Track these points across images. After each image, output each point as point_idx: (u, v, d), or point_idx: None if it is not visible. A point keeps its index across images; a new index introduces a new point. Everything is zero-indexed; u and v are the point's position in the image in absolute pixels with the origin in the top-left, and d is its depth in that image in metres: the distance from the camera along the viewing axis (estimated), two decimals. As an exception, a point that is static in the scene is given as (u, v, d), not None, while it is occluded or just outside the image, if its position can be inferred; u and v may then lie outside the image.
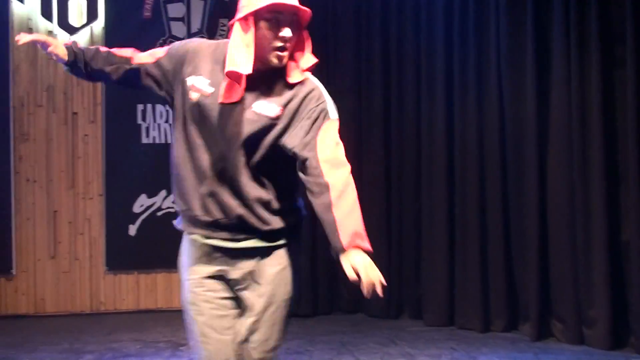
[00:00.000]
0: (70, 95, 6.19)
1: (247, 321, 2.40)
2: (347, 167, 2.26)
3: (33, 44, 2.57)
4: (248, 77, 2.27)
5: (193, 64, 2.37)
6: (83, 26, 6.24)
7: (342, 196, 2.19)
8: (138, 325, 5.60)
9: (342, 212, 2.18)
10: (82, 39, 6.21)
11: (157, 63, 2.43)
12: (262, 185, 2.34)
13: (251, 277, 2.40)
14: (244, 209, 2.35)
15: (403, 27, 6.00)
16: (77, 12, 6.21)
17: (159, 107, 6.25)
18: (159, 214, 6.22)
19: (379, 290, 2.15)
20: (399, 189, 5.96)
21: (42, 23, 6.17)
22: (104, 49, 2.56)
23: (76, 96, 6.21)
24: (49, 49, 2.49)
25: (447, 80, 5.72)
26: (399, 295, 5.88)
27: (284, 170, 2.36)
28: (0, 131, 6.01)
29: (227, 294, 2.43)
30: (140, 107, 6.24)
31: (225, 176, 2.33)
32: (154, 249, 6.17)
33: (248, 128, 2.29)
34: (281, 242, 2.41)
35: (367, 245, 2.20)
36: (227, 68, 2.28)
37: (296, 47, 2.32)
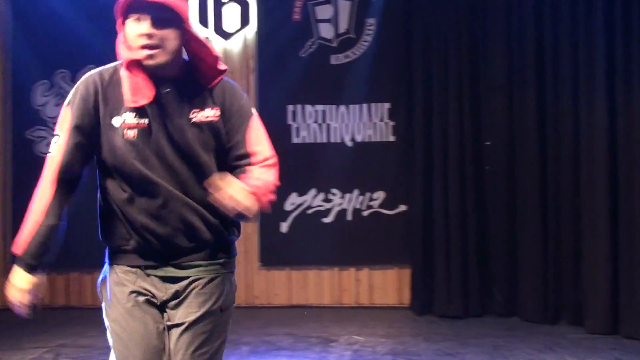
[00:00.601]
0: (226, 98, 6.48)
1: None
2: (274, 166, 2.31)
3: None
4: (164, 89, 2.16)
5: (107, 104, 2.18)
6: (237, 31, 6.50)
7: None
8: (290, 320, 5.76)
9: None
10: (235, 44, 6.48)
11: (78, 143, 2.18)
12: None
13: None
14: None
15: (558, 22, 5.67)
16: (231, 18, 6.48)
17: (308, 108, 6.40)
18: (309, 212, 6.35)
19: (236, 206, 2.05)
20: (555, 189, 5.64)
21: (199, 30, 6.50)
22: (30, 234, 2.23)
23: (231, 99, 6.48)
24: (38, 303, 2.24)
25: (608, 76, 5.31)
26: (557, 299, 5.54)
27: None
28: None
29: None
30: (290, 107, 6.41)
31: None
32: (304, 246, 6.33)
33: (199, 139, 2.20)
34: None
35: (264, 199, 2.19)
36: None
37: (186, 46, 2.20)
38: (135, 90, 2.13)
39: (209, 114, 2.22)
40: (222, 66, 2.26)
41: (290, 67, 6.45)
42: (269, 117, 6.39)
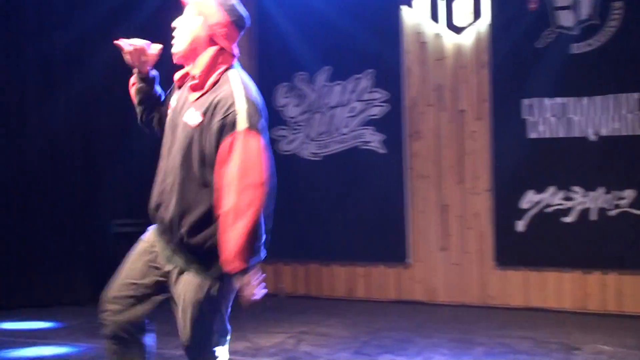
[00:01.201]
0: (458, 94, 6.39)
1: None
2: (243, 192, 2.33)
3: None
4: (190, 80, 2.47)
5: (172, 91, 2.66)
6: (469, 25, 6.37)
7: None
8: (528, 323, 5.52)
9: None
10: (467, 38, 6.36)
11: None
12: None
13: None
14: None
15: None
16: (462, 12, 6.36)
17: (546, 101, 6.07)
18: (548, 210, 6.03)
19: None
20: None
21: (430, 26, 6.48)
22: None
23: (464, 94, 6.38)
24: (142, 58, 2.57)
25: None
26: None
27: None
28: (395, 130, 6.50)
29: None
30: (525, 102, 6.13)
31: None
32: (543, 247, 6.02)
33: (181, 141, 2.43)
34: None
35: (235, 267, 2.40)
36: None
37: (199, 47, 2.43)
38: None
39: (193, 117, 2.43)
40: (219, 69, 2.49)
41: (525, 59, 6.17)
42: (503, 111, 6.24)
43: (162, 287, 2.59)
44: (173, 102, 2.55)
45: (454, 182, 6.38)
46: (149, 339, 2.67)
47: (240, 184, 2.31)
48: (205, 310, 2.52)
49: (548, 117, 6.08)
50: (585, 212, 5.91)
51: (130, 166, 6.76)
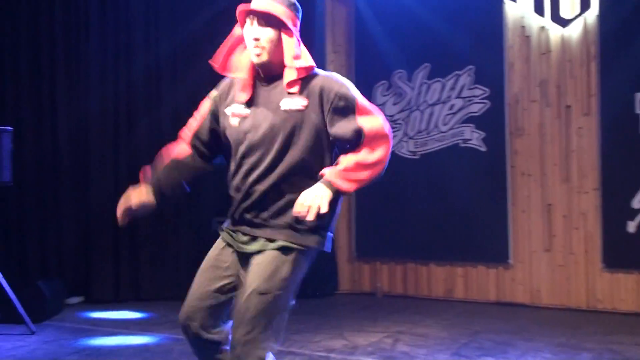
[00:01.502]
0: (564, 89, 6.14)
1: None
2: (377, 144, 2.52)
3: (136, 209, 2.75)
4: (264, 81, 2.60)
5: (227, 100, 2.67)
6: (576, 17, 6.11)
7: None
8: (639, 329, 5.23)
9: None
10: (574, 31, 6.10)
11: (207, 117, 2.73)
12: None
13: None
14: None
15: None
16: (569, 3, 6.12)
17: (661, 94, 5.73)
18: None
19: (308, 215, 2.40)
20: None
21: (534, 19, 6.26)
22: (163, 162, 2.81)
23: (570, 89, 6.13)
24: (134, 207, 2.72)
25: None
26: None
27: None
28: (496, 127, 6.32)
29: None
30: (638, 95, 5.81)
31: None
32: (656, 249, 5.69)
33: (278, 128, 2.53)
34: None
35: (339, 182, 2.46)
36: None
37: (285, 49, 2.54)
38: (242, 89, 2.62)
39: (298, 103, 2.53)
40: (301, 64, 2.54)
41: (637, 51, 5.84)
42: (613, 106, 5.94)
43: (234, 287, 2.64)
44: (239, 110, 2.63)
45: (559, 180, 6.13)
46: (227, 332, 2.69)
47: (376, 139, 2.53)
48: (274, 297, 2.52)
49: (663, 112, 5.73)
50: None
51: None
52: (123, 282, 6.48)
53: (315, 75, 2.58)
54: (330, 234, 2.65)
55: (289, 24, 2.54)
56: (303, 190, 2.47)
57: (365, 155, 2.51)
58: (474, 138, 6.42)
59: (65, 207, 6.37)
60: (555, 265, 6.12)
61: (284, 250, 2.54)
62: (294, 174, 2.54)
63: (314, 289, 6.75)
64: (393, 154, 7.48)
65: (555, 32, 6.18)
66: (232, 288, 2.64)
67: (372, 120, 2.53)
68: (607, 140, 5.93)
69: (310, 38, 6.87)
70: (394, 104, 6.86)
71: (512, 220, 6.26)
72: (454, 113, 6.56)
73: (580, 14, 6.08)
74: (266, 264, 2.52)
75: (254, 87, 2.62)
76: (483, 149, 6.38)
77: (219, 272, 2.67)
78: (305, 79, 2.55)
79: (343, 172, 2.48)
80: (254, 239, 2.60)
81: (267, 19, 2.52)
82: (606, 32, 5.96)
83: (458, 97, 6.54)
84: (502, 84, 6.33)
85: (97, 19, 6.54)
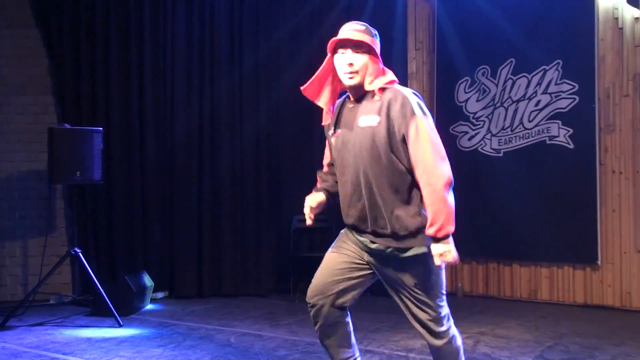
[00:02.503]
0: (658, 82, 5.86)
1: None
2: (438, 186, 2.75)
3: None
4: (350, 104, 3.00)
5: (327, 125, 3.09)
6: (672, 7, 5.80)
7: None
8: None
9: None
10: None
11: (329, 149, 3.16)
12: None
13: None
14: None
15: None
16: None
17: None
18: None
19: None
20: None
21: (627, 11, 5.99)
22: (324, 172, 3.27)
23: (664, 81, 5.83)
24: (315, 206, 3.14)
25: None
26: None
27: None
28: (587, 123, 6.07)
29: None
30: None
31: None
32: None
33: (362, 144, 2.87)
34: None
35: (442, 233, 2.73)
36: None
37: (368, 71, 2.89)
38: (329, 115, 3.06)
39: (373, 119, 2.85)
40: (380, 84, 2.89)
41: None
42: None
43: (364, 278, 3.08)
44: (334, 130, 3.04)
45: (653, 178, 5.84)
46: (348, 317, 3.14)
47: (435, 159, 2.77)
48: (430, 285, 2.92)
49: None
50: None
51: (309, 166, 6.99)
52: (206, 278, 6.63)
53: (390, 92, 2.88)
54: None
55: (377, 50, 2.91)
56: (395, 202, 2.86)
57: (432, 196, 2.75)
58: (561, 135, 6.20)
59: (151, 205, 6.59)
60: (648, 267, 5.85)
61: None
62: (381, 187, 2.86)
63: (394, 288, 6.71)
64: (475, 151, 7.38)
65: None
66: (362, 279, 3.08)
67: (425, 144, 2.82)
68: None
69: (393, 36, 6.85)
70: (477, 100, 6.72)
71: (601, 219, 6.01)
72: (540, 109, 6.35)
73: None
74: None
75: (342, 109, 3.02)
76: (570, 146, 6.15)
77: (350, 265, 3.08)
78: (383, 98, 2.87)
79: (437, 227, 2.73)
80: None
81: (358, 47, 2.89)
82: None
83: (545, 92, 6.33)
84: (593, 78, 6.08)
85: (184, 23, 6.71)
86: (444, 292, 2.99)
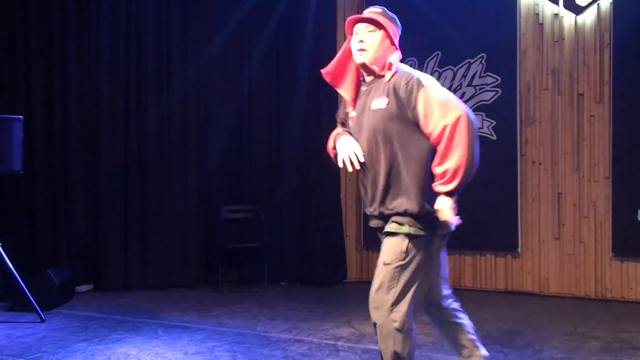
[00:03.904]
0: (576, 77, 6.08)
1: None
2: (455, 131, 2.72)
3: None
4: (363, 87, 3.01)
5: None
6: (589, 4, 6.03)
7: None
8: (648, 318, 5.21)
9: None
10: (588, 18, 6.03)
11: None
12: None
13: None
14: None
15: None
16: (583, -10, 6.05)
17: (675, 82, 5.67)
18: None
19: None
20: None
21: (547, 7, 6.20)
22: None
23: (582, 77, 6.07)
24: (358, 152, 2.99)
25: None
26: None
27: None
28: (508, 115, 6.27)
29: None
30: (653, 82, 5.76)
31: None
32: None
33: (377, 123, 2.88)
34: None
35: (444, 189, 2.77)
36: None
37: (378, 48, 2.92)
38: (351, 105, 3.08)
39: (382, 102, 2.87)
40: (388, 66, 2.91)
41: (652, 38, 5.78)
42: (626, 94, 5.87)
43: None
44: (351, 112, 3.06)
45: (570, 169, 6.09)
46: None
47: (451, 117, 2.73)
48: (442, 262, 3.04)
49: (676, 100, 5.67)
50: None
51: (239, 157, 6.97)
52: (132, 270, 6.52)
53: (395, 74, 2.89)
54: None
55: (390, 31, 2.95)
56: (408, 183, 2.84)
57: (440, 155, 2.75)
58: (485, 126, 6.37)
59: (75, 195, 6.41)
60: (565, 254, 6.09)
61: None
62: (396, 167, 2.86)
63: (322, 277, 6.77)
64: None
65: (569, 20, 6.12)
66: None
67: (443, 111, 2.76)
68: (619, 129, 5.88)
69: (321, 28, 6.88)
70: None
71: (521, 208, 6.22)
72: (465, 101, 6.49)
73: (594, 1, 6.01)
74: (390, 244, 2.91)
75: (357, 92, 3.04)
76: (493, 137, 6.33)
77: None
78: (391, 79, 2.88)
79: (439, 181, 2.77)
80: None
81: (370, 26, 2.94)
82: (620, 19, 5.89)
83: (469, 85, 6.49)
84: (514, 72, 6.27)
85: (109, 8, 6.53)
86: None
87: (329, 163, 6.84)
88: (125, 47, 6.59)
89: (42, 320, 5.09)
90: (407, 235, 2.86)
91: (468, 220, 6.72)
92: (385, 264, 2.90)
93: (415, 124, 2.83)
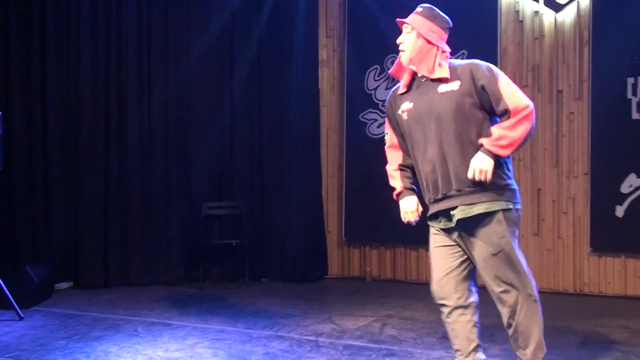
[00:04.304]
0: (556, 74, 6.13)
1: None
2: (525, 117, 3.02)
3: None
4: (422, 79, 3.23)
5: (396, 104, 3.32)
6: (569, 2, 6.08)
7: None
8: (625, 312, 5.26)
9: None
10: (567, 15, 6.09)
11: (394, 133, 3.41)
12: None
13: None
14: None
15: None
16: (563, -12, 6.10)
17: (652, 80, 5.74)
18: (650, 195, 5.73)
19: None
20: None
21: (527, 5, 6.24)
22: (400, 169, 3.45)
23: (562, 74, 6.12)
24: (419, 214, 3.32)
25: None
26: None
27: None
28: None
29: None
30: (630, 80, 5.81)
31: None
32: (643, 233, 5.73)
33: (445, 103, 3.09)
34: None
35: (496, 150, 3.00)
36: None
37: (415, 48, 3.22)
38: (402, 86, 3.32)
39: (453, 85, 3.10)
40: (447, 63, 3.19)
41: (630, 36, 5.84)
42: (605, 91, 5.93)
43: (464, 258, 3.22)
44: (405, 106, 3.24)
45: (549, 165, 6.14)
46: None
47: (531, 103, 3.06)
48: (508, 247, 3.09)
49: (653, 97, 5.74)
50: (692, 197, 5.57)
51: (220, 153, 6.95)
52: (112, 267, 6.47)
53: (458, 65, 3.19)
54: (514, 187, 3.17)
55: (423, 32, 3.21)
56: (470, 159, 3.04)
57: (508, 125, 3.00)
58: (465, 123, 6.40)
59: (54, 192, 6.36)
60: (544, 249, 6.15)
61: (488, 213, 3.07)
62: (462, 145, 3.07)
63: (304, 274, 6.77)
64: (384, 138, 7.45)
65: (549, 17, 6.16)
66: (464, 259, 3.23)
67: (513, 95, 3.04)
68: (598, 125, 5.94)
69: (304, 23, 6.87)
70: (387, 88, 6.83)
71: (501, 205, 6.25)
72: (446, 98, 6.53)
73: (574, -1, 6.06)
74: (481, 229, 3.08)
75: (411, 85, 3.26)
76: (474, 133, 6.36)
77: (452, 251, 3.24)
78: (451, 69, 3.15)
79: (495, 141, 2.99)
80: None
81: (407, 28, 3.25)
82: (599, 17, 5.95)
83: (450, 82, 6.51)
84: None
85: (89, 5, 6.48)
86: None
87: (311, 159, 6.92)
88: (106, 44, 6.53)
89: (21, 318, 5.04)
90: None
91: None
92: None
93: (479, 105, 3.08)
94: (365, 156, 6.87)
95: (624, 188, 5.80)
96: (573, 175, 6.06)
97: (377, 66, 6.86)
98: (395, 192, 3.40)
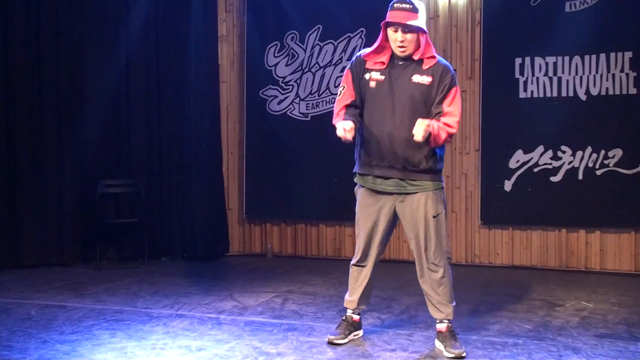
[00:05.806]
0: (450, 53, 6.32)
1: None
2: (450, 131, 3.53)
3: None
4: (399, 61, 3.61)
5: (363, 68, 3.70)
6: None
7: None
8: (512, 281, 5.58)
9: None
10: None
11: (354, 90, 3.70)
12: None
13: None
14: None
15: None
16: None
17: (538, 60, 6.03)
18: (536, 170, 6.04)
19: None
20: None
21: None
22: (347, 113, 3.69)
23: (455, 53, 6.32)
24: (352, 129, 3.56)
25: None
26: None
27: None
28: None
29: None
30: (518, 60, 6.09)
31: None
32: (529, 206, 6.05)
33: (410, 94, 3.56)
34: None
35: (442, 128, 3.48)
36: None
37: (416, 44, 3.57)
38: (380, 63, 3.66)
39: (425, 79, 3.56)
40: (432, 54, 3.60)
41: (519, 18, 6.11)
42: (495, 70, 6.19)
43: (391, 220, 3.82)
44: (375, 75, 3.62)
45: (443, 142, 6.35)
46: None
47: (454, 117, 3.54)
48: (440, 219, 3.66)
49: (539, 77, 6.04)
50: (572, 172, 5.93)
51: (116, 129, 6.74)
52: (2, 249, 6.18)
53: (438, 61, 3.57)
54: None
55: (423, 27, 3.54)
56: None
57: (448, 123, 3.50)
58: (363, 100, 6.51)
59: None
60: (439, 224, 6.38)
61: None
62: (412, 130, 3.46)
63: (205, 251, 6.73)
64: (284, 115, 7.46)
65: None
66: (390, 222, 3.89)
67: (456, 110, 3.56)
68: (488, 104, 6.19)
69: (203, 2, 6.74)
70: (287, 65, 6.84)
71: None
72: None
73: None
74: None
75: (389, 63, 3.62)
76: (372, 111, 6.49)
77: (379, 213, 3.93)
78: (434, 66, 3.56)
79: (442, 125, 3.47)
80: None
81: (407, 27, 3.51)
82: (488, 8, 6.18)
83: (349, 59, 6.59)
84: (392, 47, 6.42)
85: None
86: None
87: (211, 135, 6.83)
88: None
89: None
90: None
91: (348, 193, 6.91)
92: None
93: (432, 101, 3.55)
94: (266, 132, 6.87)
95: (512, 163, 6.10)
96: (465, 151, 6.31)
97: (278, 42, 6.85)
98: (335, 120, 3.66)
